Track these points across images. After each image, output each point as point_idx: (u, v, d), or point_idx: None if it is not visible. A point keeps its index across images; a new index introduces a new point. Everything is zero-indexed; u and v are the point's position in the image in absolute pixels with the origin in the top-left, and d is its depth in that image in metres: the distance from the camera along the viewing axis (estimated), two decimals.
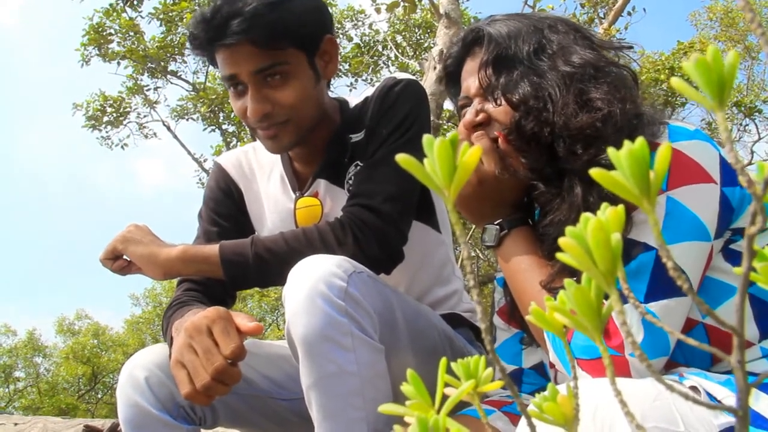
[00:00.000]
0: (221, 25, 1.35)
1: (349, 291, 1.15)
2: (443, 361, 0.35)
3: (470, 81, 1.21)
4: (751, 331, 1.02)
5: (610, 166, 0.28)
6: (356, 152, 1.51)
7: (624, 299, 0.89)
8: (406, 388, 0.34)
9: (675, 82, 0.25)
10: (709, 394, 0.88)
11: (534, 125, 1.09)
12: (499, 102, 1.15)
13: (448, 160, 0.29)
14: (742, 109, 10.35)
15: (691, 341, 0.29)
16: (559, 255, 0.30)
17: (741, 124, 11.29)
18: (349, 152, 1.52)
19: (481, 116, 1.16)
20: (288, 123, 1.44)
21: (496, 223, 1.18)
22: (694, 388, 0.89)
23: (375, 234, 1.34)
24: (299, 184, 1.60)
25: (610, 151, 0.27)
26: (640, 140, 0.26)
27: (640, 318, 0.95)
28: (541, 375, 1.31)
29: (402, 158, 0.30)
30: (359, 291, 1.16)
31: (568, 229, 0.29)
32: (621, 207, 0.29)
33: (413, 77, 1.55)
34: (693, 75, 0.25)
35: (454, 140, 0.30)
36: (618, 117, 1.03)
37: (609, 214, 0.28)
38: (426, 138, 0.31)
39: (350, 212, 1.37)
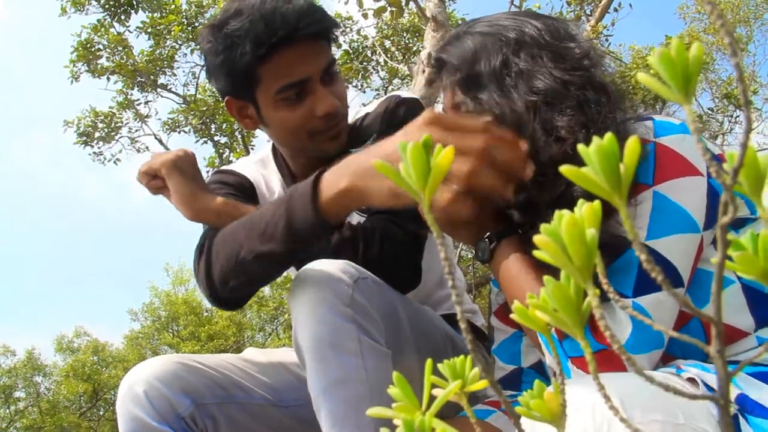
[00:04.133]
0: (293, 23, 1.31)
1: (355, 297, 1.15)
2: (429, 362, 0.35)
3: (446, 100, 1.22)
4: (746, 320, 1.02)
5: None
6: None
7: (614, 292, 0.89)
8: (392, 390, 0.34)
9: (642, 77, 0.25)
10: (707, 385, 0.88)
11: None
12: None
13: (422, 162, 0.30)
14: (733, 101, 10.39)
15: (673, 333, 0.29)
16: (536, 252, 0.30)
17: (732, 116, 11.32)
18: None
19: None
20: (344, 118, 1.45)
21: (485, 237, 1.18)
22: (691, 380, 0.90)
23: (401, 248, 1.35)
24: None
25: (580, 147, 0.28)
26: (609, 136, 0.27)
27: (626, 312, 0.95)
28: (540, 374, 1.31)
29: (377, 163, 0.30)
30: (365, 297, 1.16)
31: (543, 226, 0.29)
32: (597, 203, 0.29)
33: (416, 97, 1.56)
34: (658, 69, 0.25)
35: (427, 143, 0.30)
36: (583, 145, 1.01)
37: (584, 209, 0.29)
38: (400, 143, 0.31)
39: (379, 221, 1.36)
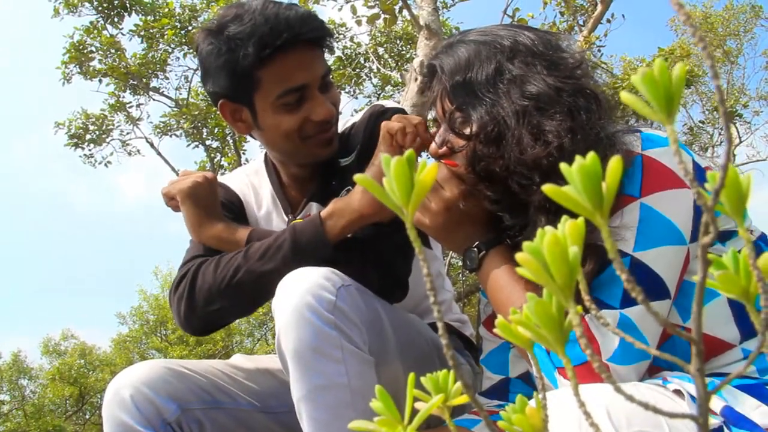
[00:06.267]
0: (297, 27, 1.35)
1: (338, 304, 1.16)
2: (411, 376, 0.35)
3: (437, 106, 1.23)
4: (731, 332, 1.03)
5: None
6: (345, 176, 1.52)
7: (596, 308, 0.89)
8: (375, 404, 0.34)
9: (625, 96, 0.26)
10: (693, 397, 0.88)
11: (488, 161, 1.09)
12: (458, 131, 1.16)
13: (406, 178, 0.30)
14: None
15: (655, 352, 0.29)
16: (518, 270, 0.30)
17: (722, 128, 11.38)
18: (339, 176, 1.53)
19: (443, 150, 1.19)
20: (336, 124, 1.49)
21: (474, 246, 1.19)
22: (678, 392, 0.90)
23: (389, 259, 1.38)
24: (291, 207, 1.61)
25: (563, 166, 0.28)
26: (591, 155, 0.27)
27: (614, 324, 0.95)
28: (528, 384, 1.31)
29: (359, 178, 0.30)
30: (347, 304, 1.17)
31: (525, 243, 0.29)
32: (581, 220, 0.29)
33: (400, 106, 1.58)
34: (641, 89, 0.25)
35: (411, 158, 0.30)
36: (568, 149, 1.02)
37: (567, 227, 0.29)
38: (383, 157, 0.31)
39: (367, 233, 1.38)
